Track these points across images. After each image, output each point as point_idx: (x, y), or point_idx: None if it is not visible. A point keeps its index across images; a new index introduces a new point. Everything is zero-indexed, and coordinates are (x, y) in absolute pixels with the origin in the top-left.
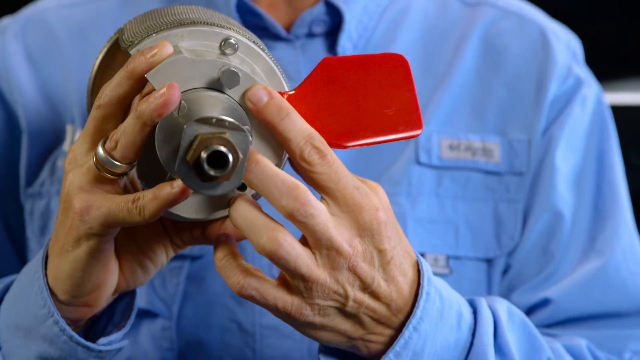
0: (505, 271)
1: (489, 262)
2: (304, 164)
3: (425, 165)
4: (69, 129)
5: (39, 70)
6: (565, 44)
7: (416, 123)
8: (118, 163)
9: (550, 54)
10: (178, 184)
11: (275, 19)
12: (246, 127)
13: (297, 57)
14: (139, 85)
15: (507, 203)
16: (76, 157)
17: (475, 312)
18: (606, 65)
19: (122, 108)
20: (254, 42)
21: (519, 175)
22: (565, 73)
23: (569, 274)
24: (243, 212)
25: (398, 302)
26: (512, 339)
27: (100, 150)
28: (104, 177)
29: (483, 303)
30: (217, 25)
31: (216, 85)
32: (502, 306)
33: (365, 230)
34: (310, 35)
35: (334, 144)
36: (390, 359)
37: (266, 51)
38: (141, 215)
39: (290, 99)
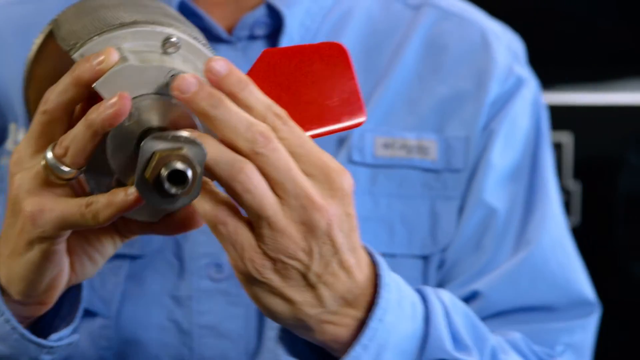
0: (440, 266)
1: (425, 258)
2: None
3: (358, 164)
4: (12, 127)
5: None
6: (505, 45)
7: (359, 111)
8: (67, 169)
9: (490, 54)
10: (132, 191)
11: (219, 20)
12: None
13: (237, 58)
14: (85, 91)
15: (444, 200)
16: (22, 159)
17: (425, 301)
18: (605, 64)
19: (67, 113)
20: (195, 38)
21: (455, 172)
22: (505, 72)
23: (499, 267)
24: (214, 148)
25: (358, 277)
26: (461, 327)
27: (49, 155)
28: (53, 181)
29: (430, 292)
30: (158, 23)
31: (165, 90)
32: (446, 295)
33: (336, 190)
34: (252, 37)
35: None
36: (358, 353)
37: (207, 46)
38: (95, 220)
39: None
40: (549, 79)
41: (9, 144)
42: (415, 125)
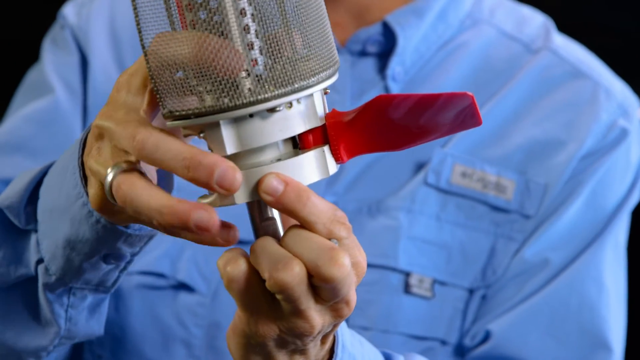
0: (482, 297)
1: (471, 292)
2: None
3: (432, 187)
4: None
5: (118, 44)
6: (617, 103)
7: (477, 122)
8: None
9: (595, 111)
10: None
11: (338, 36)
12: None
13: (345, 70)
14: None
15: (506, 240)
16: (127, 102)
17: None
18: None
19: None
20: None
21: (525, 217)
22: (607, 129)
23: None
24: (267, 243)
25: (326, 347)
26: None
27: (108, 179)
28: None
29: None
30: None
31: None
32: None
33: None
34: (364, 53)
35: (387, 148)
36: None
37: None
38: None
39: (339, 124)
40: None
41: None
42: (498, 159)
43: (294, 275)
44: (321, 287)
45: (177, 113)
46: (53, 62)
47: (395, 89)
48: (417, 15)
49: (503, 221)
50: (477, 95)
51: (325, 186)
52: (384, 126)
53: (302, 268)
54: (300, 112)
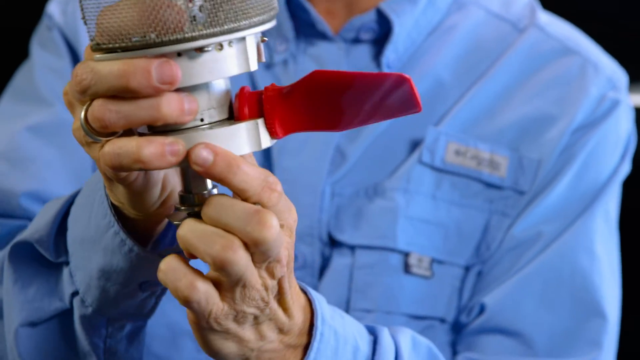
0: (478, 274)
1: (467, 269)
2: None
3: (426, 165)
4: None
5: None
6: (606, 77)
7: (415, 106)
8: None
9: (584, 86)
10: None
11: (330, 24)
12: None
13: (340, 58)
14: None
15: (500, 216)
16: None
17: (375, 342)
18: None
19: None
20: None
21: (520, 193)
22: (597, 102)
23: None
24: (193, 226)
25: (296, 317)
26: None
27: (82, 118)
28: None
29: (385, 333)
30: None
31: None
32: (406, 336)
33: (292, 242)
34: (358, 40)
35: (324, 128)
36: None
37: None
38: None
39: (275, 98)
40: None
41: None
42: (492, 138)
43: (238, 256)
44: (254, 252)
45: (104, 46)
46: (44, 73)
47: None
48: (411, 1)
49: (497, 198)
50: (468, 75)
51: (327, 175)
52: (321, 103)
53: (238, 240)
54: (230, 56)
